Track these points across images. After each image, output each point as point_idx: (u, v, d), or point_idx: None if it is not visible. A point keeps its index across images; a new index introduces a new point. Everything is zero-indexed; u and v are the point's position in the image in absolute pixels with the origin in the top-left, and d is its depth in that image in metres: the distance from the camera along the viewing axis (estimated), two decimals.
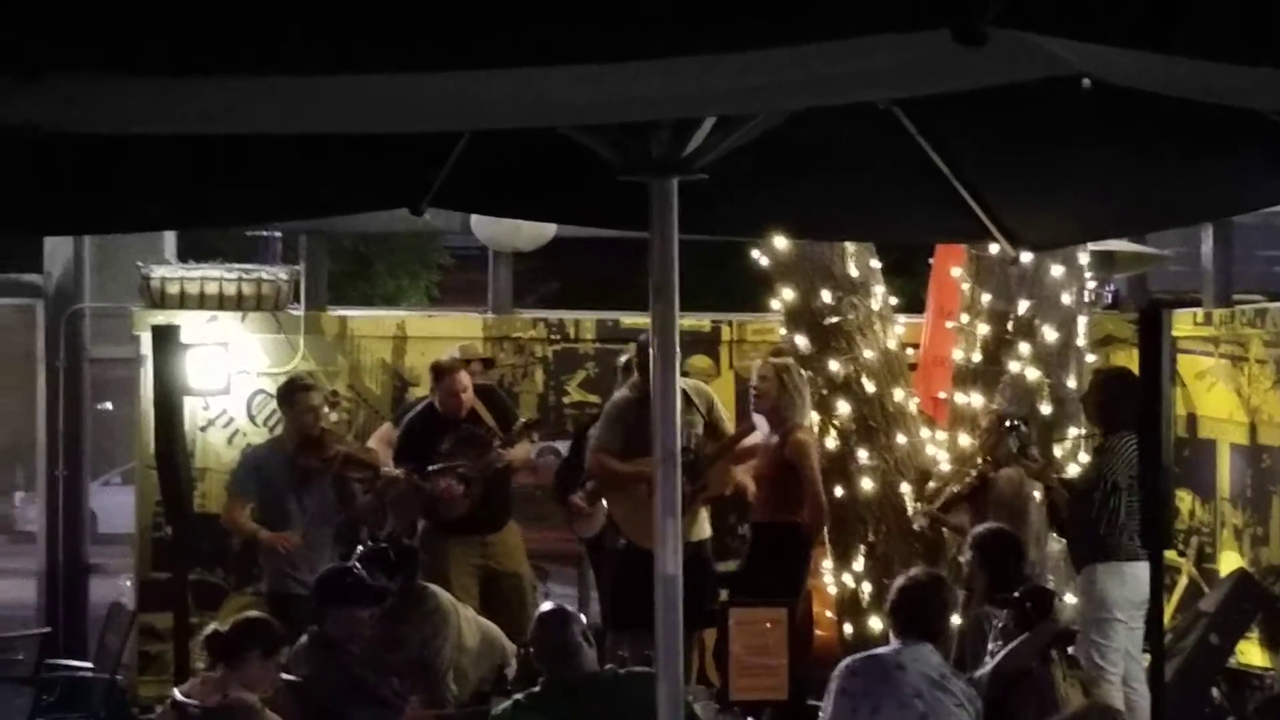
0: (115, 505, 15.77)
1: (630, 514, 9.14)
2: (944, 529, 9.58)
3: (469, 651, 8.18)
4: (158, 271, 11.41)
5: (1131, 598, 8.68)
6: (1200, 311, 11.54)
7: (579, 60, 3.05)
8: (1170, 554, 9.81)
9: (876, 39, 2.89)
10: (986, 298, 9.84)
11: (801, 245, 9.70)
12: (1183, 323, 10.99)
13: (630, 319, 11.50)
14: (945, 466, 9.75)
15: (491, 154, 5.08)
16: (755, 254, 10.07)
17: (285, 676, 7.06)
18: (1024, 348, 9.72)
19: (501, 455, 9.63)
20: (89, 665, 11.03)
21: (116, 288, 12.39)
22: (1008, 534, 8.35)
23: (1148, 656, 8.61)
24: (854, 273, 9.92)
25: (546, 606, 6.74)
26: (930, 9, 2.77)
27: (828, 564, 9.88)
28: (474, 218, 10.57)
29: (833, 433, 9.79)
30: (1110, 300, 12.19)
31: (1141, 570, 8.45)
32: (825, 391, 9.72)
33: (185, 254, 12.63)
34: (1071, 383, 9.75)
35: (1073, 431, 9.66)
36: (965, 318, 9.96)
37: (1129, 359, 9.50)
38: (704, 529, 9.54)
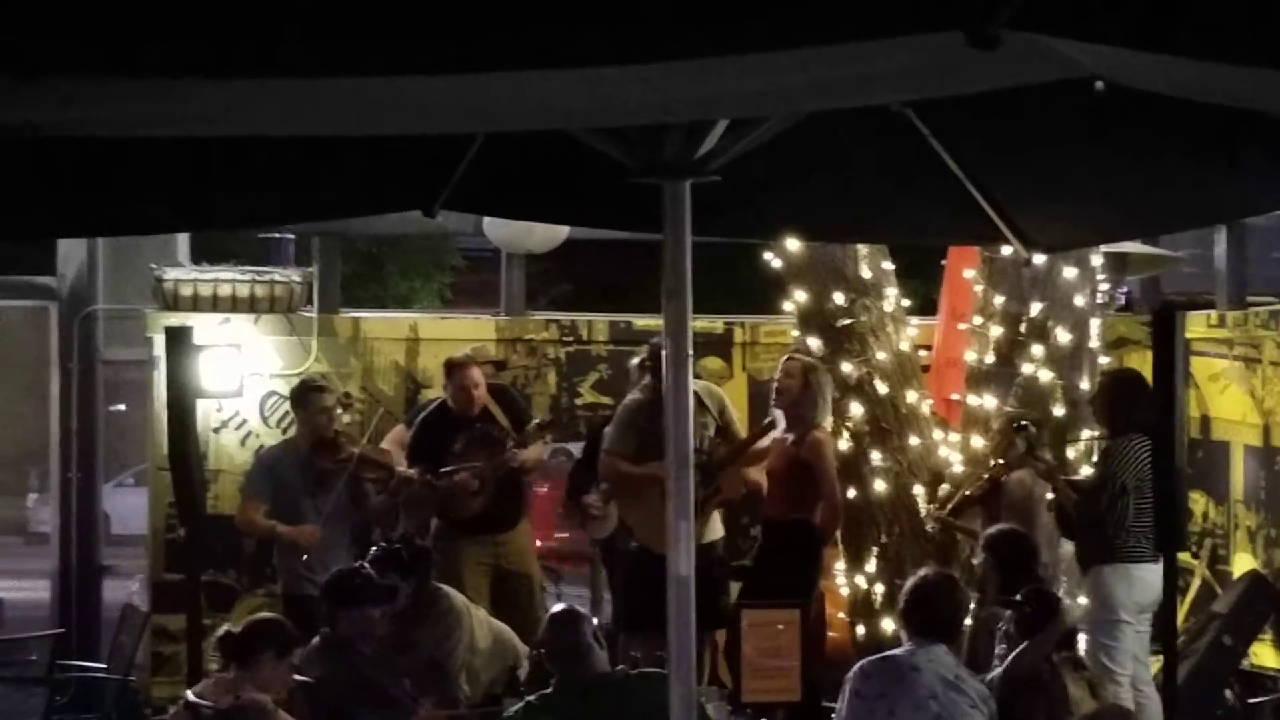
0: (128, 507, 15.75)
1: (643, 517, 9.13)
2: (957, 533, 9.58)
3: (481, 653, 8.18)
4: (171, 274, 11.42)
5: (1139, 600, 8.66)
6: (1214, 313, 11.52)
7: (590, 63, 3.05)
8: (1183, 556, 9.78)
9: (890, 42, 2.90)
10: (999, 300, 9.83)
11: (814, 247, 9.70)
12: (1196, 325, 10.96)
13: (643, 321, 11.48)
14: (958, 468, 9.74)
15: (505, 156, 5.09)
16: (768, 256, 10.07)
17: (298, 678, 7.07)
18: (1037, 350, 9.71)
19: (515, 455, 9.62)
20: (102, 666, 11.05)
21: (130, 290, 12.40)
22: (1020, 536, 8.34)
23: (1155, 659, 8.62)
24: (867, 275, 9.92)
25: (558, 608, 6.75)
26: (943, 12, 2.77)
27: (840, 565, 9.88)
28: (487, 220, 10.56)
29: (846, 434, 9.79)
30: (1123, 302, 12.13)
31: (1148, 572, 8.44)
32: (838, 393, 9.71)
33: (198, 256, 12.64)
34: (1084, 385, 9.74)
35: (1086, 433, 9.65)
36: (978, 320, 9.95)
37: (1142, 361, 9.49)
38: (716, 530, 9.55)
